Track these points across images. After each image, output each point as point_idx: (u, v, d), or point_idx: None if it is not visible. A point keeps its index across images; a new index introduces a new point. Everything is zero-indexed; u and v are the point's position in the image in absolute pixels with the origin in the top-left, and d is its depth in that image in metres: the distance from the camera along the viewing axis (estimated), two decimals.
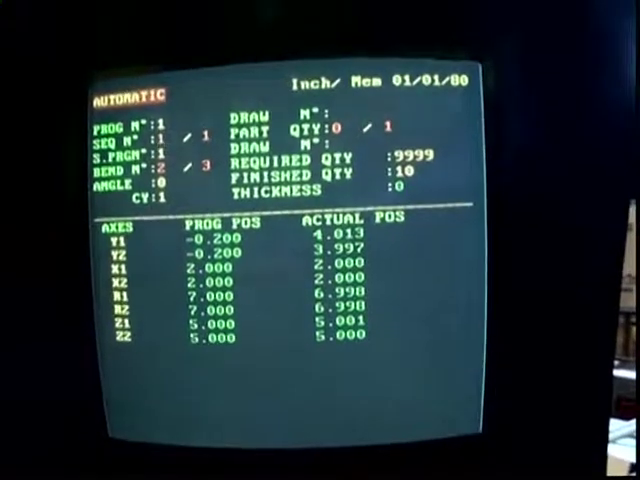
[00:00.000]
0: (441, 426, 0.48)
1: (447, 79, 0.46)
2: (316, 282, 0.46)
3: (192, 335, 0.47)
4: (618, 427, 1.66)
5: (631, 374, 2.27)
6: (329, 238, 0.46)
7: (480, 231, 0.46)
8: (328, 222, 0.46)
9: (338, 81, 0.46)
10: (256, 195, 0.46)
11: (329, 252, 0.46)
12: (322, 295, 0.46)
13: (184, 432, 0.49)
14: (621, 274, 0.47)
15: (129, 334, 0.49)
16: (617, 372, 2.45)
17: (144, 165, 0.47)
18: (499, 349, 0.47)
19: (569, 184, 0.46)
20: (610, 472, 1.49)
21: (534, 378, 0.48)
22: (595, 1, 0.47)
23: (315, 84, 0.46)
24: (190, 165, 0.47)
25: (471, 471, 0.49)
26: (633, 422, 1.64)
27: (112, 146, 0.48)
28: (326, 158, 0.45)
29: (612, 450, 1.47)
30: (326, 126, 0.45)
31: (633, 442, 1.53)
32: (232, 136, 0.46)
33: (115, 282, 0.49)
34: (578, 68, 0.47)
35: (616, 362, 2.34)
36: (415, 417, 0.48)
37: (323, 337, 0.46)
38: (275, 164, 0.46)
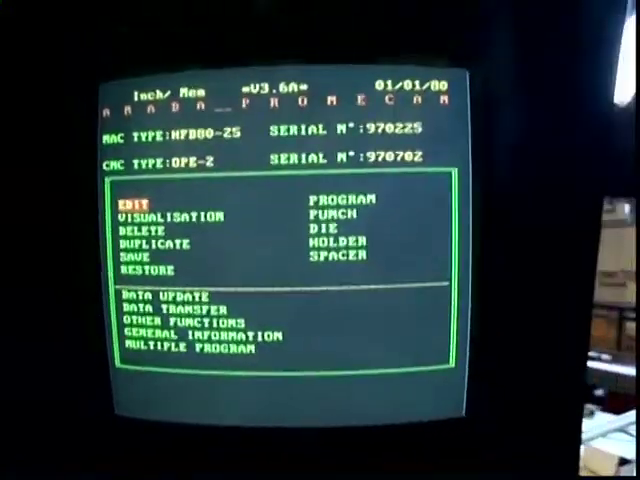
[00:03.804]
0: (425, 409, 0.54)
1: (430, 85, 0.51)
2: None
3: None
4: (609, 421, 1.74)
5: (623, 369, 2.36)
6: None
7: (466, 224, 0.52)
8: None
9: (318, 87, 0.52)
10: None
11: None
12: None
13: (189, 409, 0.55)
14: (595, 263, 0.53)
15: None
16: (610, 367, 2.52)
17: None
18: (482, 339, 0.53)
19: (551, 188, 0.52)
20: (600, 465, 1.57)
21: (516, 365, 0.54)
22: (580, 10, 0.52)
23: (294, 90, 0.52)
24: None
25: (454, 454, 0.55)
26: (624, 416, 1.71)
27: None
28: None
29: (602, 444, 1.54)
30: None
31: (623, 436, 1.60)
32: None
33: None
34: (562, 76, 0.52)
35: (609, 357, 2.42)
36: (399, 398, 0.54)
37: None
38: None
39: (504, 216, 0.53)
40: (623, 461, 1.37)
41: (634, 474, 1.37)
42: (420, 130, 0.52)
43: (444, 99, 0.52)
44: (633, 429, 1.64)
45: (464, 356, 0.53)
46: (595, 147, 0.53)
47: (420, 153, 0.52)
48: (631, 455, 1.43)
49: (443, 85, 0.52)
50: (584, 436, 1.53)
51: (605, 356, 2.70)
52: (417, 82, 0.52)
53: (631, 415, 1.71)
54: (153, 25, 0.53)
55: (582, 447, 1.54)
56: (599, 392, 2.29)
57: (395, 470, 0.53)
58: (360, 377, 0.53)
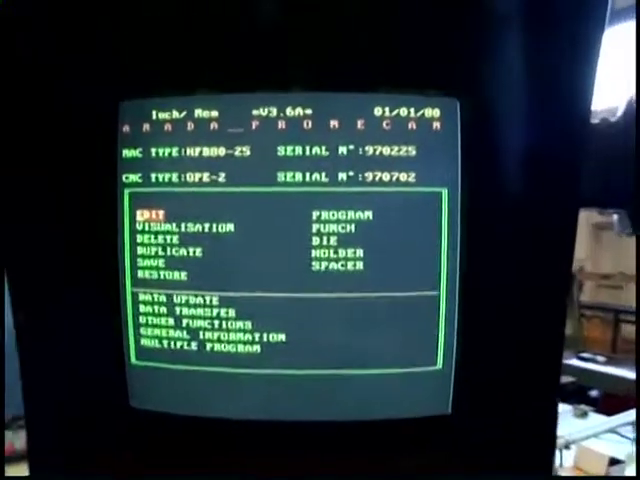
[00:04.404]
0: (415, 406, 0.60)
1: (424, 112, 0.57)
2: None
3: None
4: (601, 422, 1.81)
5: (618, 371, 2.43)
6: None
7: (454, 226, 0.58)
8: None
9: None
10: None
11: None
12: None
13: (198, 403, 0.61)
14: (570, 274, 0.59)
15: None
16: (604, 369, 2.60)
17: None
18: (467, 343, 0.59)
19: (532, 206, 0.58)
20: (591, 465, 1.65)
21: (498, 368, 0.60)
22: (561, 43, 0.58)
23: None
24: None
25: (440, 448, 0.61)
26: (615, 418, 1.78)
27: None
28: None
29: (594, 444, 1.61)
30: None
31: (614, 437, 1.67)
32: None
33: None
34: (544, 104, 0.58)
35: (603, 359, 2.52)
36: (391, 396, 0.59)
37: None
38: None
39: (489, 232, 0.58)
40: (613, 461, 1.44)
41: (624, 474, 1.43)
42: (414, 153, 0.57)
43: (436, 125, 0.57)
44: (625, 430, 1.71)
45: (451, 359, 0.59)
46: (575, 166, 0.59)
47: (413, 174, 0.57)
48: (621, 456, 1.50)
49: (436, 112, 0.57)
50: (576, 436, 1.61)
51: (600, 358, 2.78)
52: (412, 109, 0.57)
53: (623, 417, 1.79)
54: (171, 51, 0.59)
55: (574, 447, 1.62)
56: (593, 393, 2.36)
57: (385, 461, 0.59)
58: (355, 376, 0.59)
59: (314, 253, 0.57)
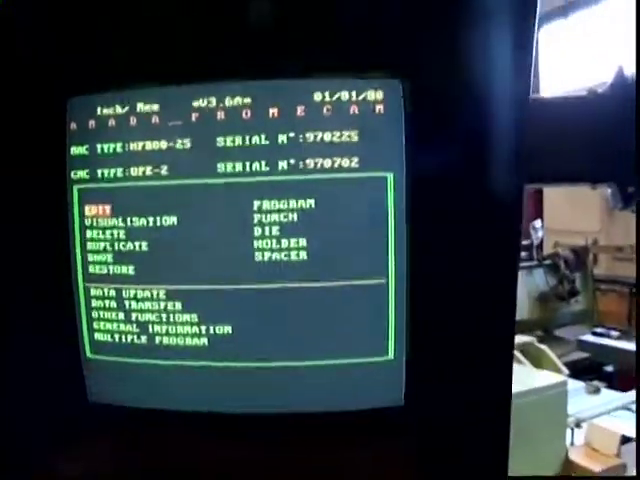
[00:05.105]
0: (367, 398, 0.59)
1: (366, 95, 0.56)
2: None
3: None
4: (614, 399, 1.75)
5: (631, 346, 2.33)
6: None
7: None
8: None
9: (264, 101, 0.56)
10: None
11: None
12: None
13: (150, 396, 0.61)
14: (519, 253, 0.57)
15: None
16: (619, 344, 2.51)
17: None
18: (419, 332, 0.58)
19: (477, 187, 0.56)
20: (602, 444, 1.59)
21: (450, 357, 0.58)
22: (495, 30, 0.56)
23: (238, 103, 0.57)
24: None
25: (392, 442, 0.60)
26: (630, 394, 1.72)
27: None
28: None
29: (606, 422, 1.56)
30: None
31: (628, 414, 1.62)
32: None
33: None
34: (483, 84, 0.56)
35: (618, 333, 2.44)
36: (342, 388, 0.58)
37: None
38: None
39: (437, 216, 0.57)
40: (625, 439, 1.38)
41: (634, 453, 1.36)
42: (356, 138, 0.56)
43: (379, 108, 0.56)
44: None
45: (402, 348, 0.58)
46: (518, 145, 0.57)
47: (357, 159, 0.56)
48: (634, 433, 1.43)
49: (379, 95, 0.56)
50: (587, 414, 1.55)
51: (614, 333, 2.68)
52: (354, 93, 0.56)
53: (635, 393, 1.71)
54: (112, 45, 0.58)
55: (585, 425, 1.56)
56: (608, 369, 2.29)
57: (339, 454, 0.59)
58: (304, 368, 0.58)
59: (256, 244, 0.57)
